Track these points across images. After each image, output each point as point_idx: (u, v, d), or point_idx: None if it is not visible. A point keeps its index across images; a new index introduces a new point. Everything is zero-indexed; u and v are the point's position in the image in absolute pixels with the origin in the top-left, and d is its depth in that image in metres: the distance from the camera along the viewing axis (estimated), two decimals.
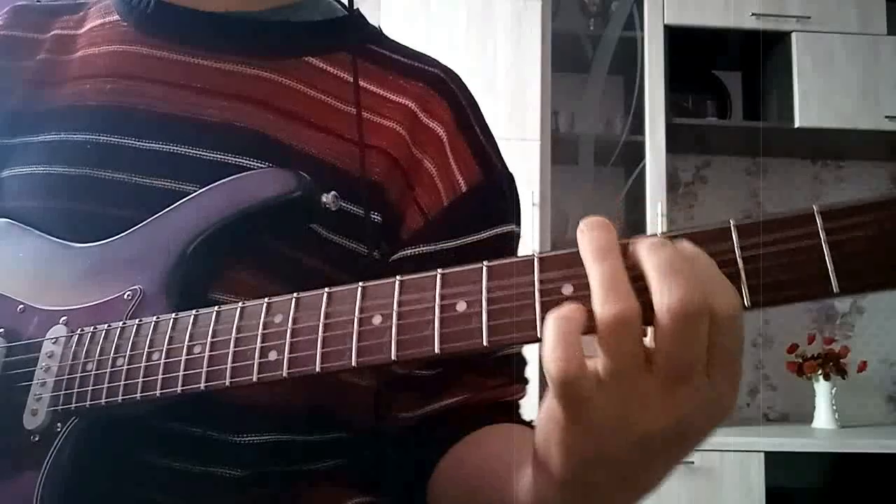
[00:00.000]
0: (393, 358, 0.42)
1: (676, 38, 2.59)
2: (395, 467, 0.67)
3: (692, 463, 2.24)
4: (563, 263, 0.39)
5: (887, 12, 2.61)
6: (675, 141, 2.59)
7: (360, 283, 0.45)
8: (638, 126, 2.58)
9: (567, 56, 2.64)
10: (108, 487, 0.55)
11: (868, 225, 0.35)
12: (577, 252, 0.38)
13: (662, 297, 0.35)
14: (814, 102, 2.56)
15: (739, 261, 0.37)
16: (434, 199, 0.65)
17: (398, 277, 0.44)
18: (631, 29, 2.63)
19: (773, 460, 2.24)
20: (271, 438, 0.59)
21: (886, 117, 2.53)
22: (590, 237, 0.37)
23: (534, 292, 0.39)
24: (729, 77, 2.95)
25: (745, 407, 2.82)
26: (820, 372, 2.53)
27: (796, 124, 2.56)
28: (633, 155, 2.62)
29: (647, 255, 0.36)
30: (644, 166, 2.52)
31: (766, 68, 2.78)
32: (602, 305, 0.35)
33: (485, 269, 0.41)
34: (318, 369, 0.44)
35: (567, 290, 0.39)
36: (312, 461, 0.62)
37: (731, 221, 0.37)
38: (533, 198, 2.33)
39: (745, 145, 2.83)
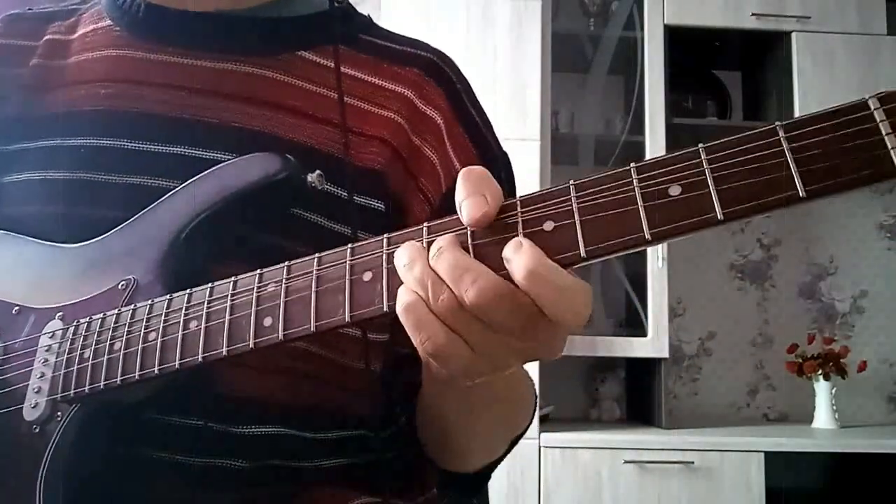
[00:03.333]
0: (385, 309, 0.44)
1: (676, 38, 2.59)
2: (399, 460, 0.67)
3: (692, 463, 2.24)
4: (543, 200, 0.42)
5: (887, 12, 2.61)
6: (675, 141, 2.59)
7: (350, 245, 0.46)
8: (638, 126, 2.58)
9: (567, 56, 2.64)
10: (110, 480, 0.55)
11: (826, 131, 0.38)
12: (551, 191, 0.43)
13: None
14: (814, 102, 2.56)
15: (709, 176, 0.39)
16: (436, 188, 0.66)
17: (386, 235, 0.46)
18: (631, 29, 2.63)
19: (773, 460, 2.25)
20: (275, 431, 0.59)
21: None
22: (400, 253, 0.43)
23: (519, 233, 0.42)
24: (729, 77, 2.95)
25: (745, 407, 2.82)
26: (820, 372, 2.53)
27: None
28: (633, 155, 2.62)
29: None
30: None
31: (766, 68, 2.79)
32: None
33: None
34: (312, 328, 0.46)
35: (548, 226, 0.42)
36: (318, 458, 0.62)
37: (699, 145, 0.40)
38: None
39: None
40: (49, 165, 0.63)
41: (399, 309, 0.42)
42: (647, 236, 0.40)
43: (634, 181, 0.41)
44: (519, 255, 0.40)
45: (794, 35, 2.58)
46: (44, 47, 0.70)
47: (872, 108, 0.37)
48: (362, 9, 0.75)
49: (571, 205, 0.42)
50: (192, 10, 0.67)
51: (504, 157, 0.73)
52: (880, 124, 0.37)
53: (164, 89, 0.65)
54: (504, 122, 2.37)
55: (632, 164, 0.41)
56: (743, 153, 0.39)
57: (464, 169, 0.44)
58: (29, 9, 0.75)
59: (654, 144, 2.51)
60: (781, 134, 0.39)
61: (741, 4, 2.59)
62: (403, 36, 0.73)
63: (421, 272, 0.42)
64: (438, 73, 0.70)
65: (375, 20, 0.75)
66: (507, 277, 0.41)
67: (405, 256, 0.43)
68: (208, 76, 0.65)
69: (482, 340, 0.42)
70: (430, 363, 0.44)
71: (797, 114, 2.51)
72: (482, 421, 0.60)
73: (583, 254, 0.41)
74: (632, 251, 0.41)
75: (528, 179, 2.34)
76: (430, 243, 0.43)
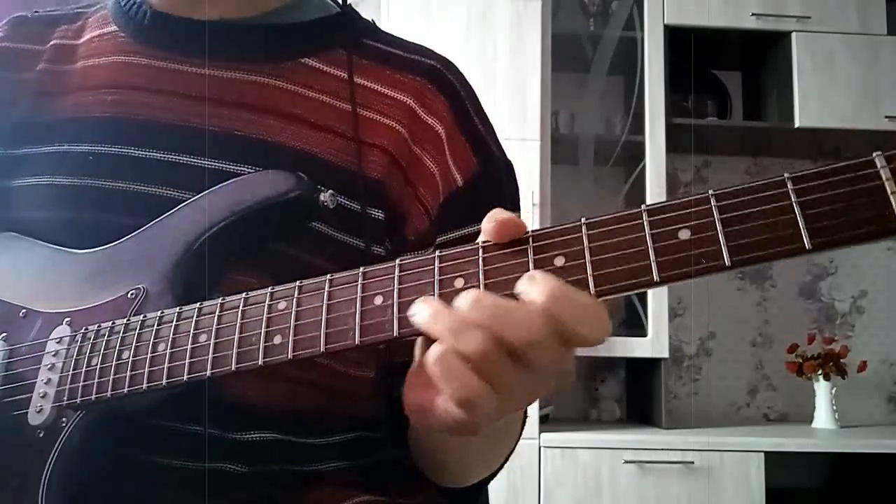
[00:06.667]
0: (395, 334, 0.44)
1: (676, 38, 2.59)
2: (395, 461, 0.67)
3: (692, 463, 2.24)
4: (554, 236, 0.43)
5: (887, 12, 2.60)
6: (675, 141, 2.59)
7: (362, 268, 0.47)
8: (638, 126, 2.58)
9: (567, 56, 2.64)
10: (112, 485, 0.55)
11: (833, 186, 0.39)
12: (562, 228, 0.43)
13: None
14: (814, 102, 2.56)
15: (718, 222, 0.40)
16: (434, 198, 0.66)
17: (398, 261, 0.46)
18: (631, 29, 2.63)
19: (773, 460, 2.24)
20: (274, 437, 0.59)
21: (886, 117, 2.53)
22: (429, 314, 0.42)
23: (529, 267, 0.42)
24: (729, 77, 2.95)
25: (745, 407, 2.82)
26: (820, 372, 2.53)
27: (796, 124, 2.56)
28: (633, 155, 2.62)
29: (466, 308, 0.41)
30: (644, 166, 2.52)
31: (766, 68, 2.78)
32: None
33: (481, 248, 0.44)
34: (322, 349, 0.46)
35: (559, 261, 0.42)
36: (318, 462, 0.63)
37: (709, 191, 0.41)
38: (533, 198, 2.33)
39: (745, 145, 2.83)
40: (56, 171, 0.63)
41: (429, 358, 0.41)
42: (656, 278, 0.40)
43: (645, 223, 0.41)
44: (535, 283, 0.40)
45: (794, 35, 2.58)
46: (50, 52, 0.70)
47: (879, 166, 0.38)
48: (362, 9, 0.75)
49: (583, 243, 0.42)
50: (197, 17, 0.67)
51: (507, 165, 0.72)
52: (886, 183, 0.37)
53: (169, 97, 0.65)
54: (504, 123, 2.37)
55: (643, 206, 0.42)
56: (752, 202, 0.40)
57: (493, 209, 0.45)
58: (35, 11, 0.75)
59: (654, 144, 2.51)
60: (790, 186, 0.39)
61: (741, 4, 2.59)
62: (408, 42, 0.73)
63: (451, 320, 0.40)
64: (441, 80, 0.69)
65: (375, 20, 0.75)
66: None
67: (427, 309, 0.41)
68: (213, 84, 0.65)
69: (510, 382, 0.41)
70: (443, 414, 0.43)
71: (797, 114, 2.54)
72: (479, 450, 0.60)
73: (592, 292, 0.41)
74: (640, 291, 0.42)
75: (528, 179, 2.34)
76: (443, 294, 0.43)
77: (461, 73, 0.72)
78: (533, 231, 0.44)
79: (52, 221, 0.62)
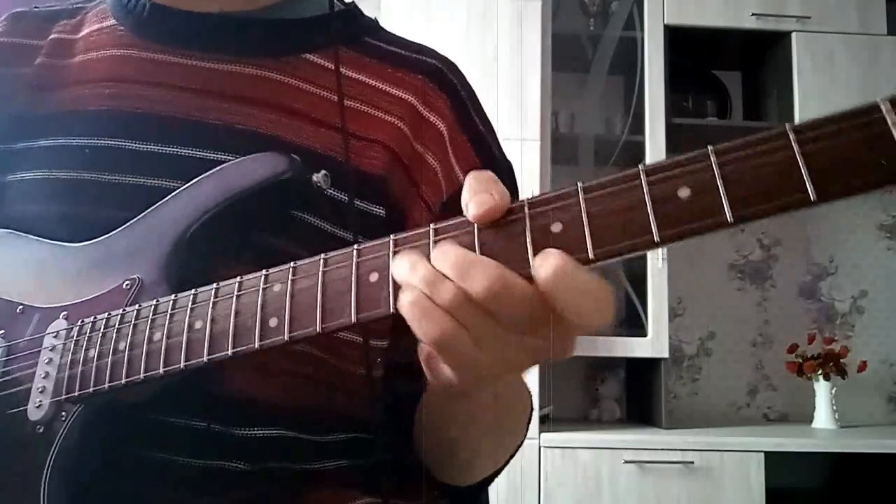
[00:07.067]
0: (391, 310, 0.43)
1: (676, 38, 2.59)
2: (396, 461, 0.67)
3: (692, 463, 2.24)
4: (551, 202, 0.42)
5: (887, 12, 2.61)
6: (675, 141, 2.59)
7: (356, 246, 0.46)
8: (638, 126, 2.58)
9: (567, 56, 2.64)
10: (113, 480, 0.55)
11: (836, 134, 0.37)
12: (559, 193, 0.42)
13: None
14: (814, 102, 2.56)
15: (718, 178, 0.39)
16: (437, 195, 0.66)
17: (392, 236, 0.45)
18: (631, 29, 2.63)
19: (773, 460, 2.24)
20: (276, 433, 0.59)
21: None
22: (400, 259, 0.43)
23: (525, 238, 0.42)
24: (729, 77, 2.95)
25: (745, 407, 2.82)
26: (820, 372, 2.53)
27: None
28: (633, 155, 2.62)
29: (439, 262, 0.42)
30: None
31: (766, 68, 2.79)
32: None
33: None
34: (318, 329, 0.45)
35: (556, 227, 0.41)
36: (319, 460, 0.62)
37: (709, 146, 0.40)
38: None
39: None
40: (53, 165, 0.63)
41: (404, 304, 0.41)
42: (656, 238, 0.39)
43: (643, 183, 0.40)
44: (545, 258, 0.39)
45: (794, 35, 2.58)
46: (49, 46, 0.70)
47: (884, 110, 0.36)
48: (362, 8, 0.75)
49: (580, 206, 0.41)
50: (196, 10, 0.67)
51: (507, 165, 0.72)
52: (892, 127, 0.36)
53: (167, 90, 0.65)
54: (504, 123, 2.37)
55: (641, 166, 0.41)
56: (753, 155, 0.38)
57: (472, 171, 0.44)
58: (35, 7, 0.75)
59: (654, 144, 2.51)
60: (792, 136, 0.38)
61: (741, 4, 2.59)
62: (409, 41, 0.73)
63: (425, 271, 0.41)
64: (443, 80, 0.70)
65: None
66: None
67: (406, 261, 0.42)
68: (212, 77, 0.65)
69: (489, 335, 0.41)
70: (436, 365, 0.43)
71: (797, 114, 2.54)
72: (486, 431, 0.60)
73: (591, 255, 0.40)
74: (640, 253, 0.40)
75: (528, 179, 2.34)
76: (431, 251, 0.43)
77: (462, 74, 0.72)
78: (529, 198, 0.43)
79: (49, 215, 0.62)
